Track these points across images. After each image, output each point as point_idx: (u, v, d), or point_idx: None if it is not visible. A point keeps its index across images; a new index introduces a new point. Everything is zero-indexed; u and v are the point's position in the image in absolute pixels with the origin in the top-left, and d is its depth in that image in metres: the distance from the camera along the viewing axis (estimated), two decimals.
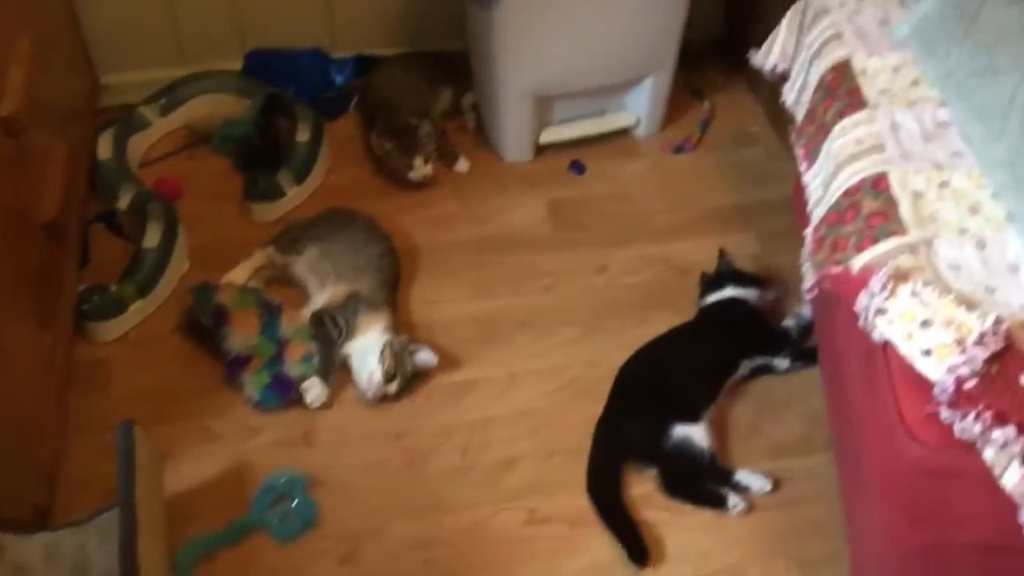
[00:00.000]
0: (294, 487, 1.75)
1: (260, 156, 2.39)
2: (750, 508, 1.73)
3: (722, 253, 2.09)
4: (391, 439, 1.86)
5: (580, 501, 1.75)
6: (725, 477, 1.76)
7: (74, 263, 2.06)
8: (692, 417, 1.78)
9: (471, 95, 2.56)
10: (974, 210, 1.42)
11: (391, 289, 2.09)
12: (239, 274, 2.09)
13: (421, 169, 2.32)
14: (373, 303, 1.99)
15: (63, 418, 1.85)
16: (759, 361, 1.94)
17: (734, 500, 1.72)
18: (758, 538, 1.70)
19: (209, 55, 2.57)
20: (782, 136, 2.48)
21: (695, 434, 1.76)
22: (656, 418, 1.78)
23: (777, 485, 1.77)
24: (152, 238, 2.09)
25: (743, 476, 1.76)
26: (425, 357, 1.93)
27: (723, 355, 1.91)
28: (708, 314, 2.02)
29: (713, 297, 2.02)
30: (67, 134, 2.16)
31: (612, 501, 1.74)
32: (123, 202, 2.20)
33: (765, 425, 1.87)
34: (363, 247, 2.11)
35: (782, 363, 1.95)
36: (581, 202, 2.37)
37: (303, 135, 2.37)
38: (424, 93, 2.48)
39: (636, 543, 1.68)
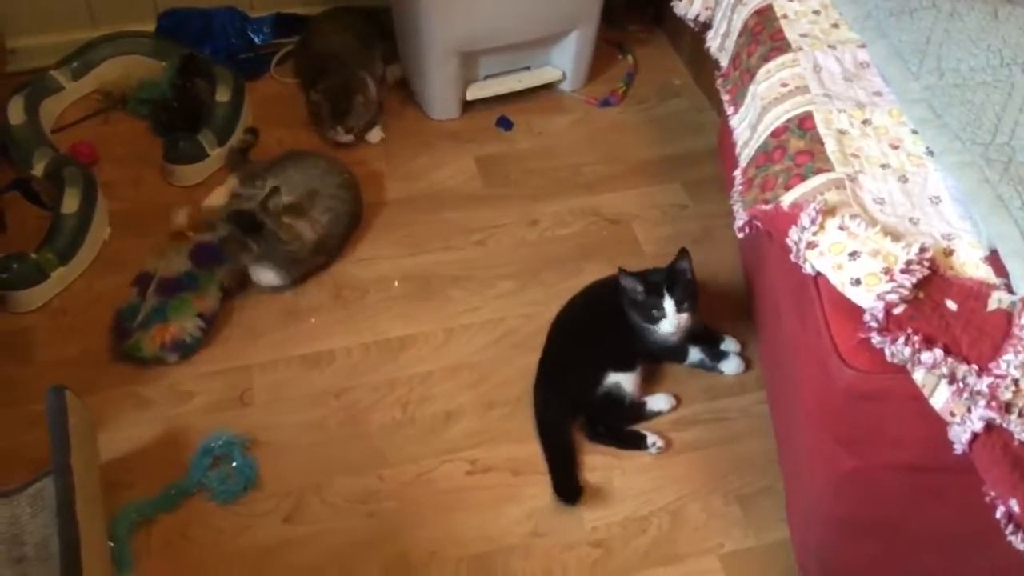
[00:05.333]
0: (232, 448, 1.73)
1: (179, 118, 2.33)
2: (668, 446, 1.78)
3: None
4: (330, 396, 1.84)
5: (521, 450, 1.77)
6: (640, 410, 1.81)
7: None
8: (628, 366, 1.81)
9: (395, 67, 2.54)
10: (895, 146, 1.47)
11: (346, 224, 2.11)
12: (217, 198, 2.15)
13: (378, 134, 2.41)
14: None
15: None
16: None
17: (652, 439, 1.77)
18: (697, 476, 1.74)
19: (121, 16, 2.49)
20: (704, 88, 2.51)
21: (625, 381, 1.79)
22: (595, 367, 1.80)
23: (679, 401, 1.83)
24: (70, 204, 2.03)
25: (651, 401, 1.82)
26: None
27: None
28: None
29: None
30: None
31: (557, 439, 1.76)
32: (38, 169, 2.13)
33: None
34: (324, 175, 2.11)
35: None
36: (510, 157, 2.37)
37: (223, 95, 2.32)
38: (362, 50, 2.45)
39: (567, 479, 1.71)
